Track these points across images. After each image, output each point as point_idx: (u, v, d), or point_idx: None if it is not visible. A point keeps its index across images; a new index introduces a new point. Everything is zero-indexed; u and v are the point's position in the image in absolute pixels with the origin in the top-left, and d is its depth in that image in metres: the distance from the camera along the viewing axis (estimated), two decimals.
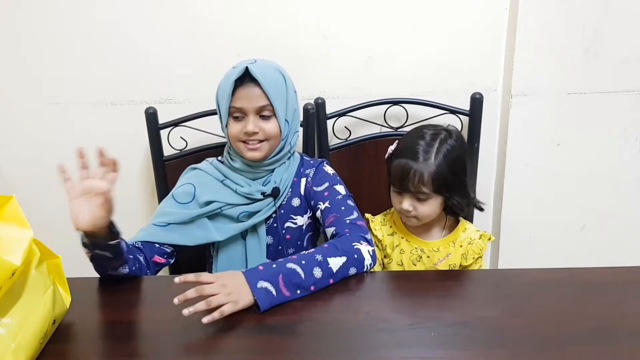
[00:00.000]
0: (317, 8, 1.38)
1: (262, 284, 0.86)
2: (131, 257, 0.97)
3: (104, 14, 1.39)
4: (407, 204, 1.08)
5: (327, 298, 0.91)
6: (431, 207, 1.09)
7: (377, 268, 1.18)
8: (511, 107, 1.41)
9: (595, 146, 1.46)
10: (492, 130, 1.49)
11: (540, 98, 1.41)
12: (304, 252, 0.96)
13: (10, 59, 1.45)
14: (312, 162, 1.19)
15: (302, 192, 1.15)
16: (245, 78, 1.04)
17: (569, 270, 0.99)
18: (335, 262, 0.94)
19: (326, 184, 1.13)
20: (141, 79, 1.45)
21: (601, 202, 1.52)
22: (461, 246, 1.16)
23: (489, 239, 1.17)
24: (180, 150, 1.39)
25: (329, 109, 1.38)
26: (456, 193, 1.10)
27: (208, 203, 1.09)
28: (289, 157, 1.15)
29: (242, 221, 1.10)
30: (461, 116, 1.38)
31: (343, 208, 1.08)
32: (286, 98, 1.08)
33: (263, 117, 1.06)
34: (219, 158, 1.18)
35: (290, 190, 1.14)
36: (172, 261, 1.10)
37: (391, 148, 1.13)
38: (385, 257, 1.20)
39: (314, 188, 1.14)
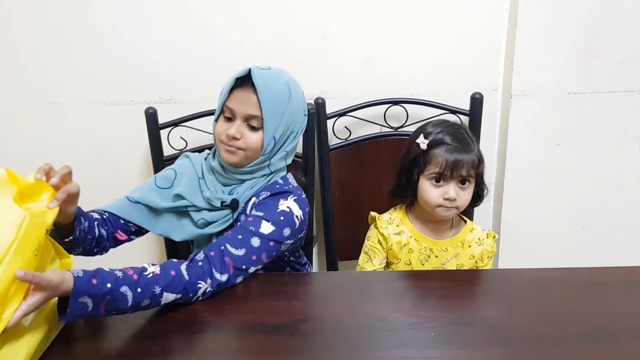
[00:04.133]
0: (317, 8, 1.38)
1: (85, 299, 0.75)
2: (89, 237, 0.96)
3: (104, 14, 1.39)
4: (453, 191, 1.08)
5: (327, 298, 0.91)
6: (470, 194, 1.11)
7: (379, 268, 1.18)
8: (511, 107, 1.41)
9: (595, 146, 1.46)
10: (492, 130, 1.49)
11: (540, 98, 1.41)
12: (152, 270, 0.85)
13: (10, 59, 1.44)
14: (278, 187, 1.05)
15: (248, 211, 1.04)
16: (247, 81, 0.99)
17: (569, 270, 0.99)
18: (168, 298, 0.85)
19: (260, 213, 0.98)
20: (141, 79, 1.45)
21: (601, 202, 1.52)
22: (470, 246, 1.17)
23: (494, 237, 1.19)
24: (180, 150, 1.39)
25: (329, 109, 1.37)
26: (483, 177, 1.13)
27: (177, 197, 1.06)
28: (265, 176, 1.06)
29: (200, 227, 1.06)
30: (461, 116, 1.38)
31: (240, 237, 0.95)
32: (282, 115, 1.00)
33: (251, 127, 1.00)
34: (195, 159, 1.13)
35: (243, 206, 1.05)
36: (134, 239, 1.09)
37: (424, 140, 1.10)
38: (388, 254, 1.19)
39: (252, 210, 1.02)
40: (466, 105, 1.36)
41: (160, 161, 1.36)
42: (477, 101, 1.35)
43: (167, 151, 1.38)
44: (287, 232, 0.99)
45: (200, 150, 1.38)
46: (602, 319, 0.82)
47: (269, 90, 0.99)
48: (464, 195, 1.10)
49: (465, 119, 1.38)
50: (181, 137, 1.38)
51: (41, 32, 1.41)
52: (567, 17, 1.33)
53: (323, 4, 1.37)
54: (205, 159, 1.12)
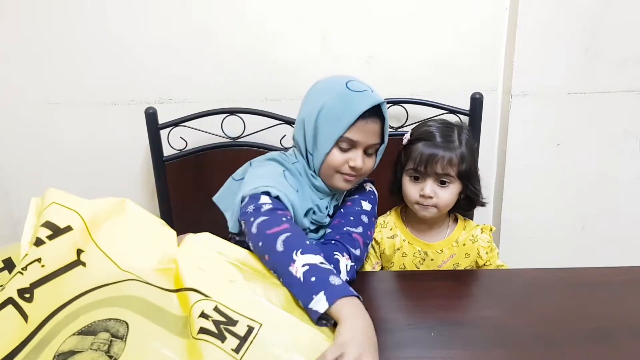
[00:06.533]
0: (317, 8, 1.38)
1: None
2: None
3: (104, 14, 1.39)
4: (429, 188, 1.06)
5: None
6: (451, 194, 1.08)
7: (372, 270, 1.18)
8: (511, 107, 1.41)
9: (595, 146, 1.46)
10: (492, 130, 1.49)
11: (540, 98, 1.41)
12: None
13: (10, 59, 1.45)
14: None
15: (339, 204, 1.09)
16: (369, 110, 0.95)
17: (569, 270, 0.99)
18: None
19: (355, 196, 1.08)
20: (141, 79, 1.45)
21: (601, 202, 1.52)
22: (464, 244, 1.16)
23: (490, 230, 1.17)
24: (180, 150, 1.39)
25: None
26: (474, 180, 1.10)
27: (308, 211, 0.99)
28: None
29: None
30: (461, 116, 1.38)
31: (352, 218, 1.01)
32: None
33: (367, 154, 1.00)
34: (295, 165, 1.04)
35: None
36: None
37: (407, 136, 1.11)
38: (381, 258, 1.19)
39: (345, 198, 1.09)
40: (466, 105, 1.36)
41: (160, 161, 1.36)
42: (477, 101, 1.35)
43: (167, 151, 1.38)
44: (376, 208, 1.09)
45: (200, 150, 1.38)
46: (602, 319, 0.82)
47: (388, 117, 1.00)
48: (443, 195, 1.07)
49: (465, 119, 1.38)
50: (181, 137, 1.38)
51: (41, 33, 1.41)
52: (567, 17, 1.33)
53: (323, 4, 1.37)
54: (300, 170, 1.03)
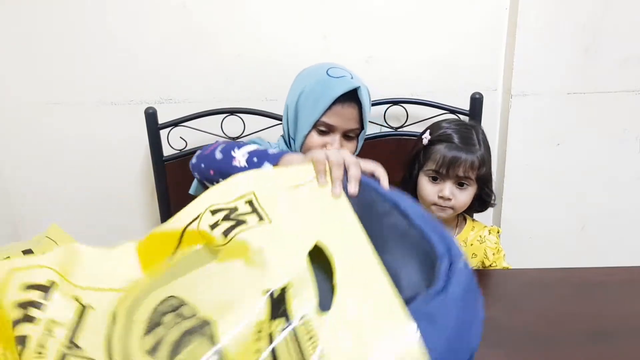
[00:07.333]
0: (317, 8, 1.38)
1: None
2: None
3: (104, 14, 1.39)
4: (448, 190, 1.06)
5: None
6: (468, 196, 1.08)
7: None
8: (511, 107, 1.41)
9: (595, 146, 1.46)
10: (492, 130, 1.48)
11: (540, 98, 1.41)
12: None
13: (9, 58, 1.44)
14: None
15: None
16: (346, 96, 0.97)
17: (569, 270, 0.99)
18: None
19: None
20: (141, 79, 1.45)
21: (601, 201, 1.52)
22: (472, 245, 1.16)
23: (498, 232, 1.18)
24: (180, 150, 1.39)
25: None
26: (489, 182, 1.11)
27: None
28: None
29: None
30: (461, 116, 1.38)
31: None
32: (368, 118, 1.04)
33: (347, 137, 1.03)
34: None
35: None
36: None
37: (426, 136, 1.11)
38: None
39: None
40: (466, 105, 1.36)
41: (160, 161, 1.36)
42: (477, 101, 1.35)
43: (166, 151, 1.38)
44: None
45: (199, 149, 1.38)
46: (602, 319, 0.82)
47: (368, 103, 1.00)
48: (461, 197, 1.08)
49: (465, 119, 1.38)
50: (181, 137, 1.38)
51: (41, 33, 1.41)
52: (567, 17, 1.33)
53: (323, 4, 1.37)
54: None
